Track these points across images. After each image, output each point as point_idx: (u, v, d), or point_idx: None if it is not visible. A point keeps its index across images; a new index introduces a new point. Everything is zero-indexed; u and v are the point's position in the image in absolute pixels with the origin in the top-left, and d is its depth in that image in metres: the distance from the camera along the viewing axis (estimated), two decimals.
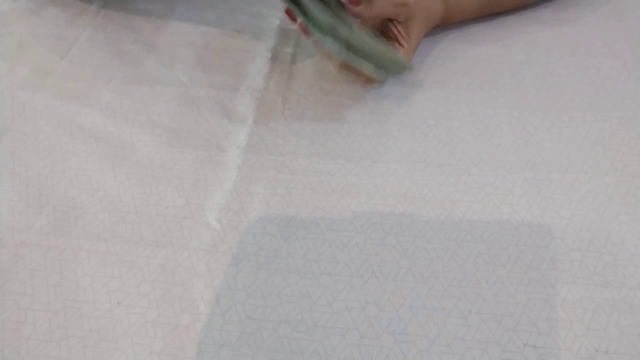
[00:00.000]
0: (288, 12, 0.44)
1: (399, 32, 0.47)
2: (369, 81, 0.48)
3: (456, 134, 0.45)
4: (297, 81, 0.50)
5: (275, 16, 0.56)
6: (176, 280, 0.36)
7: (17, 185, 0.42)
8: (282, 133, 0.45)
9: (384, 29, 0.48)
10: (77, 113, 0.48)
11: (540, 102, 0.47)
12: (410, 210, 0.39)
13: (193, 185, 0.42)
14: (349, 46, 0.44)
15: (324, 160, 0.43)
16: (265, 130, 0.46)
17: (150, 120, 0.47)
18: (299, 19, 0.43)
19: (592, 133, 0.44)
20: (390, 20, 0.47)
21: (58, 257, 0.38)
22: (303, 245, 0.38)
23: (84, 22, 0.57)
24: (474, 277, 0.36)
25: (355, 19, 0.45)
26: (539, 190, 0.40)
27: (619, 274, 0.35)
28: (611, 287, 0.35)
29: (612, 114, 0.46)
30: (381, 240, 0.38)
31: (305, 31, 0.44)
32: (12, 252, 0.38)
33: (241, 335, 0.33)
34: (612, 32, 0.54)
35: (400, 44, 0.47)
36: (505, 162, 0.42)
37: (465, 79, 0.49)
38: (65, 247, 0.38)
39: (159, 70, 0.52)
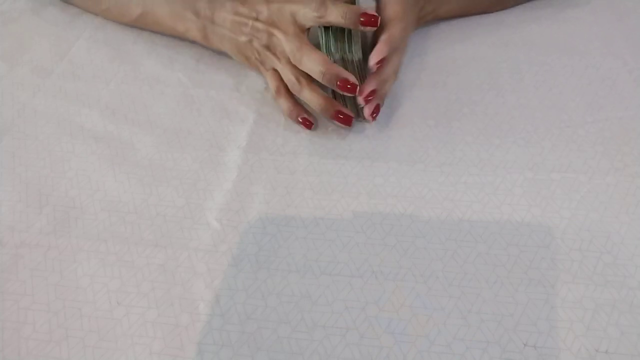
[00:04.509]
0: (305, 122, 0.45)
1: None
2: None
3: (456, 134, 0.45)
4: None
5: None
6: (176, 280, 0.36)
7: (17, 185, 0.42)
8: (282, 133, 0.45)
9: None
10: (77, 113, 0.48)
11: (540, 102, 0.47)
12: (410, 210, 0.39)
13: (193, 185, 0.42)
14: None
15: (324, 160, 0.43)
16: (265, 130, 0.46)
17: (150, 120, 0.47)
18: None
19: (592, 133, 0.44)
20: None
21: (58, 257, 0.38)
22: (303, 245, 0.38)
23: (84, 22, 0.57)
24: (474, 277, 0.36)
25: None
26: (539, 190, 0.40)
27: (619, 274, 0.35)
28: (611, 287, 0.35)
29: (612, 114, 0.46)
30: (381, 240, 0.38)
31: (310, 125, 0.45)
32: (12, 252, 0.38)
33: (241, 335, 0.33)
34: (612, 32, 0.54)
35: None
36: (505, 162, 0.42)
37: (465, 79, 0.49)
38: (65, 247, 0.38)
39: (159, 70, 0.52)
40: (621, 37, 0.53)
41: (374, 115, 0.43)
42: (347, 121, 0.44)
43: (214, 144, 0.45)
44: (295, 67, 0.43)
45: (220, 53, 0.52)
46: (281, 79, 0.45)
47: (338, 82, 0.41)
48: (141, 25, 0.55)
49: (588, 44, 0.52)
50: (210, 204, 0.40)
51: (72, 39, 0.55)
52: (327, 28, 0.42)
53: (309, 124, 0.45)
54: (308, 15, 0.42)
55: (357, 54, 0.41)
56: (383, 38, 0.42)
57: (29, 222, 0.40)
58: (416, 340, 0.33)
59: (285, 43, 0.42)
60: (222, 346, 0.33)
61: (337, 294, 0.35)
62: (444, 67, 0.51)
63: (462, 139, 0.44)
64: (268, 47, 0.45)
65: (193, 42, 0.54)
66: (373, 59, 0.41)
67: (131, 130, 0.46)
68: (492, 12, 0.56)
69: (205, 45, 0.52)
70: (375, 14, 0.41)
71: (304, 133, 0.45)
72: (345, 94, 0.42)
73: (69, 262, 0.37)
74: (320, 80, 0.41)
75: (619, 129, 0.44)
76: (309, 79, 0.43)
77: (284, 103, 0.45)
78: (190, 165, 0.43)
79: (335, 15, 0.41)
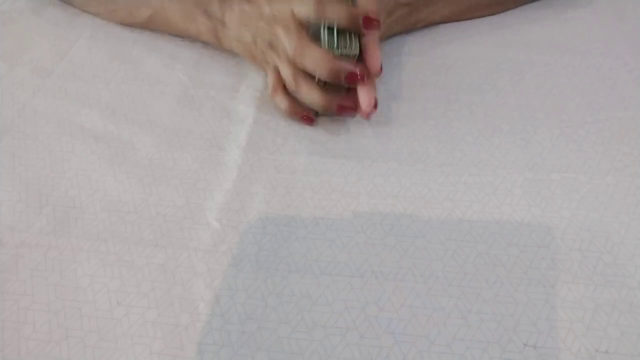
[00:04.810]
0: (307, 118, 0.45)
1: None
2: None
3: (456, 134, 0.45)
4: None
5: None
6: (176, 280, 0.36)
7: (17, 185, 0.42)
8: (282, 132, 0.45)
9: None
10: (77, 113, 0.48)
11: (540, 102, 0.47)
12: (410, 210, 0.39)
13: (193, 185, 0.42)
14: None
15: (324, 160, 0.43)
16: (265, 129, 0.46)
17: (150, 120, 0.47)
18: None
19: (592, 133, 0.44)
20: None
21: (58, 257, 0.38)
22: (303, 245, 0.38)
23: (84, 22, 0.57)
24: (474, 277, 0.36)
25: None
26: (539, 190, 0.40)
27: (619, 274, 0.35)
28: (611, 287, 0.35)
29: (612, 114, 0.46)
30: (381, 240, 0.38)
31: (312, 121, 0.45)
32: (12, 252, 0.38)
33: (241, 335, 0.33)
34: (612, 32, 0.54)
35: None
36: (505, 162, 0.42)
37: (465, 79, 0.49)
38: (65, 247, 0.38)
39: (159, 70, 0.52)
40: (622, 37, 0.53)
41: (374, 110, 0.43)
42: (351, 111, 0.43)
43: (214, 144, 0.45)
44: (293, 65, 0.43)
45: (221, 53, 0.52)
46: (279, 78, 0.45)
47: (345, 76, 0.41)
48: (150, 27, 0.55)
49: (589, 45, 0.52)
50: (210, 203, 0.40)
51: (72, 39, 0.55)
52: (330, 27, 0.42)
53: (310, 120, 0.45)
54: (305, 11, 0.42)
55: (356, 49, 0.41)
56: (371, 40, 0.42)
57: (29, 222, 0.40)
58: (416, 340, 0.33)
59: (285, 39, 0.42)
60: (222, 346, 0.33)
61: (337, 294, 0.35)
62: (444, 67, 0.51)
63: (462, 139, 0.44)
64: (270, 45, 0.45)
65: (194, 42, 0.54)
66: (375, 64, 0.41)
67: (131, 130, 0.46)
68: (491, 15, 0.56)
69: (216, 47, 0.52)
70: (378, 18, 0.41)
71: (304, 132, 0.45)
72: (352, 85, 0.42)
73: (69, 262, 0.37)
74: (325, 77, 0.41)
75: (619, 129, 0.44)
76: (307, 76, 0.43)
77: (282, 101, 0.45)
78: (190, 164, 0.43)
79: (337, 16, 0.40)
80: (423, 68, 0.51)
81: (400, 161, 0.43)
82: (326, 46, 0.41)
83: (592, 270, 0.35)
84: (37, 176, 0.43)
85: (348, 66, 0.41)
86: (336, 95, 0.43)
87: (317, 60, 0.41)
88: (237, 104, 0.48)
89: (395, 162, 0.43)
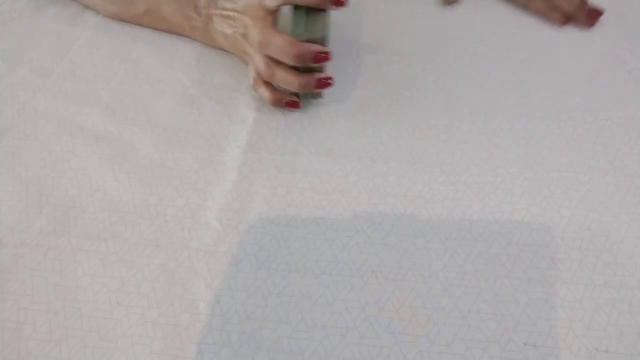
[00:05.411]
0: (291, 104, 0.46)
1: None
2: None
3: (456, 134, 0.45)
4: None
5: None
6: (176, 280, 0.36)
7: (17, 185, 0.42)
8: (283, 132, 0.45)
9: None
10: (77, 113, 0.48)
11: (540, 102, 0.47)
12: (410, 210, 0.39)
13: (193, 185, 0.42)
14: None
15: (324, 160, 0.43)
16: (266, 129, 0.46)
17: (150, 120, 0.47)
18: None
19: (592, 133, 0.44)
20: None
21: (58, 257, 0.38)
22: (303, 245, 0.38)
23: (84, 22, 0.57)
24: (474, 277, 0.36)
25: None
26: (539, 189, 0.40)
27: (619, 274, 0.35)
28: (611, 286, 0.35)
29: (612, 113, 0.46)
30: (381, 240, 0.38)
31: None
32: (12, 252, 0.38)
33: (241, 335, 0.33)
34: (612, 32, 0.54)
35: None
36: (505, 161, 0.42)
37: (465, 79, 0.49)
38: (65, 247, 0.38)
39: (158, 69, 0.52)
40: (621, 37, 0.53)
41: None
42: (329, 83, 0.44)
43: (214, 144, 0.45)
44: (263, 53, 0.43)
45: (221, 53, 0.52)
46: None
47: (311, 57, 0.41)
48: (147, 22, 0.55)
49: (589, 44, 0.52)
50: (210, 203, 0.40)
51: (72, 38, 0.55)
52: (298, 10, 0.42)
53: (295, 103, 0.46)
54: None
55: (322, 31, 0.42)
56: None
57: (29, 222, 0.40)
58: (416, 340, 0.33)
59: (252, 28, 0.43)
60: (222, 346, 0.33)
61: (337, 294, 0.35)
62: (444, 66, 0.51)
63: (462, 138, 0.44)
64: (245, 36, 0.45)
65: (194, 41, 0.54)
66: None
67: (131, 130, 0.46)
68: None
69: (209, 45, 0.52)
70: None
71: (304, 132, 0.45)
72: (321, 64, 0.42)
73: (69, 262, 0.37)
74: (291, 62, 0.41)
75: (619, 129, 0.44)
76: (278, 62, 0.43)
77: (264, 92, 0.46)
78: (191, 165, 0.43)
79: None
80: (423, 68, 0.51)
81: (400, 161, 0.43)
82: (294, 30, 0.41)
83: (592, 270, 0.35)
84: (37, 176, 0.43)
85: (311, 47, 0.41)
86: (311, 73, 0.43)
87: (280, 47, 0.41)
88: (237, 104, 0.48)
89: (395, 162, 0.43)
